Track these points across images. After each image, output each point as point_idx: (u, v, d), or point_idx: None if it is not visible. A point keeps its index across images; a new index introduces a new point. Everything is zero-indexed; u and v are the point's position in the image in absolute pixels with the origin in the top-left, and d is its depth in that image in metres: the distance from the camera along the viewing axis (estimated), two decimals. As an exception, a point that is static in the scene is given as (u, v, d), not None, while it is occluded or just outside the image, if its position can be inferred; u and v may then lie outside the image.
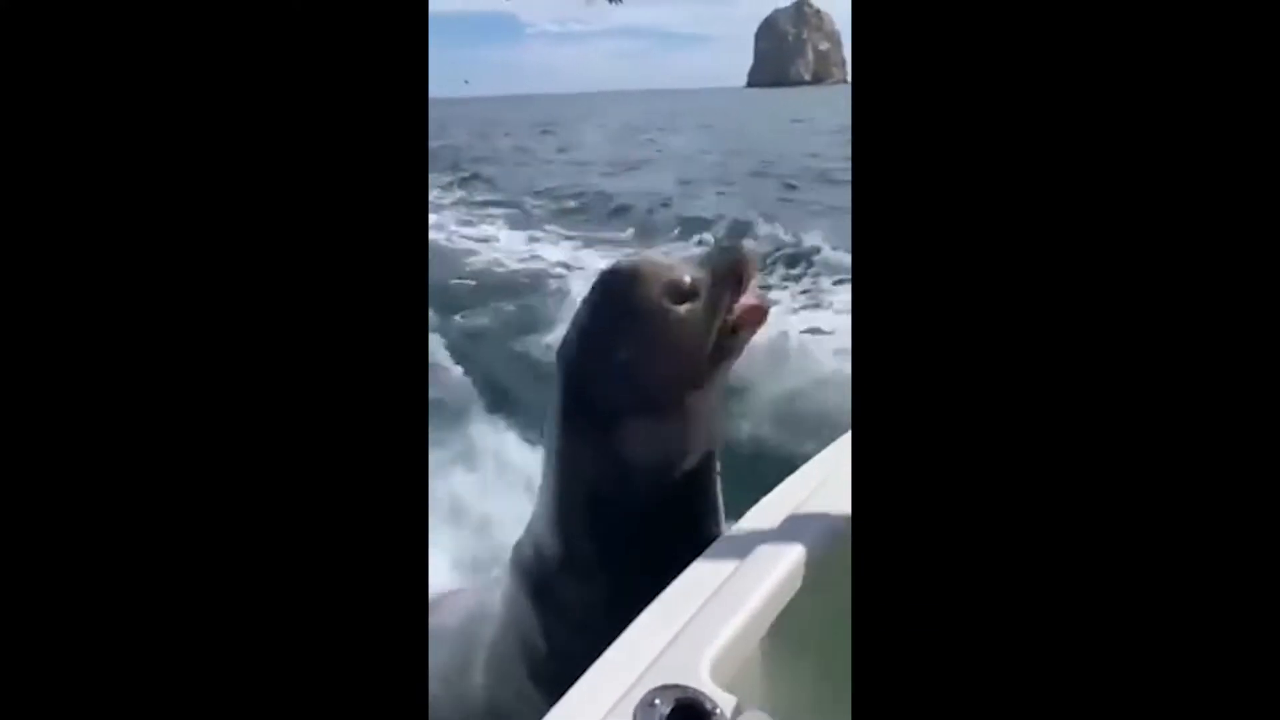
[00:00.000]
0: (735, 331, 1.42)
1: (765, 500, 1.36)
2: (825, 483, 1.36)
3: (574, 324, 1.49)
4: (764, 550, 1.19)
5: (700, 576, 1.15)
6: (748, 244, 1.57)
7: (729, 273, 1.41)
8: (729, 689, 0.98)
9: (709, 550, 1.22)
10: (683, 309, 1.38)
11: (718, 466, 1.54)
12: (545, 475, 1.51)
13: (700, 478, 1.48)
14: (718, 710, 0.93)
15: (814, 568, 1.20)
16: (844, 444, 1.49)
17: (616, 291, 1.43)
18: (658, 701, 0.94)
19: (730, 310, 1.40)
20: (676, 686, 0.96)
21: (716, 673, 1.00)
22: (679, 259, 1.52)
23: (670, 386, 1.41)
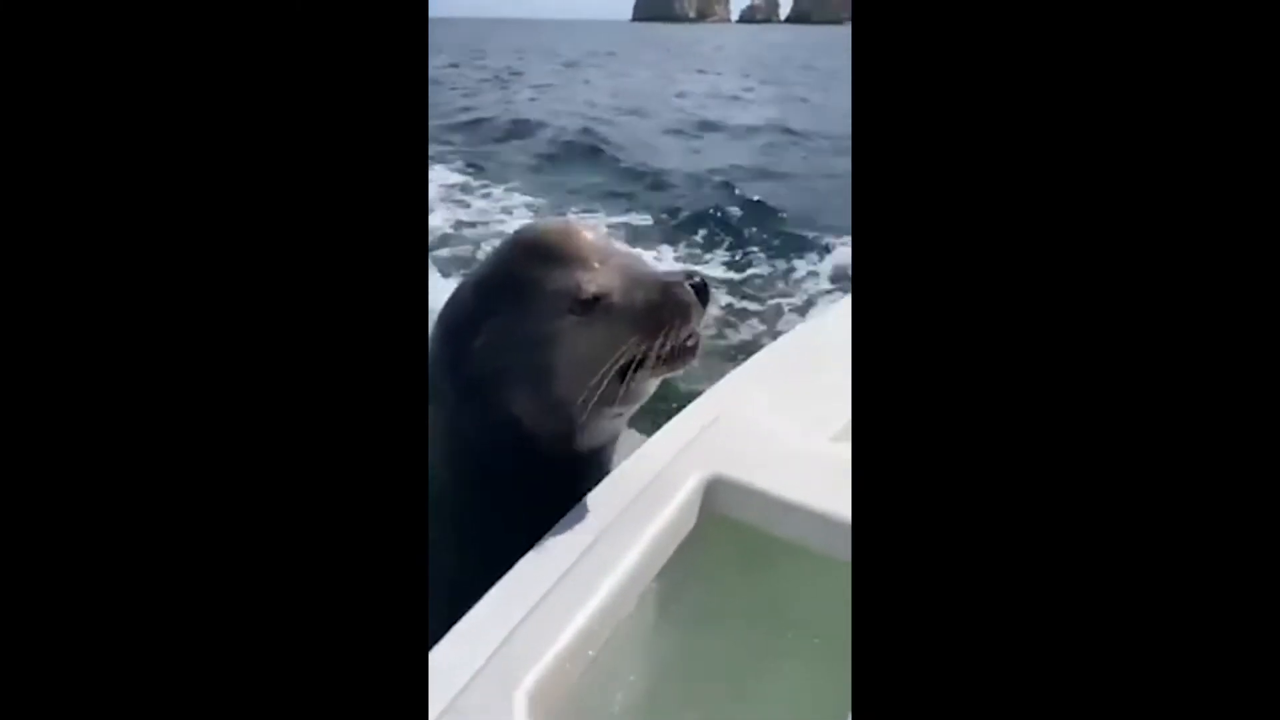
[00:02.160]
0: (649, 366, 1.05)
1: (612, 477, 1.11)
2: (678, 456, 1.12)
3: (463, 282, 1.17)
4: (600, 548, 0.96)
5: (525, 580, 0.92)
6: (706, 279, 1.11)
7: (661, 312, 1.04)
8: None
9: (540, 546, 0.98)
10: (571, 320, 1.03)
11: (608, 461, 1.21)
12: None
13: (560, 482, 1.13)
14: None
15: (655, 573, 1.00)
16: (699, 408, 1.27)
17: (507, 268, 1.09)
18: None
19: (650, 349, 1.04)
20: None
21: (535, 706, 0.79)
22: (609, 249, 1.10)
23: (540, 398, 1.08)
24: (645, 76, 21.19)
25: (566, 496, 1.11)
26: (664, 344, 1.01)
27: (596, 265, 1.04)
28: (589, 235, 1.07)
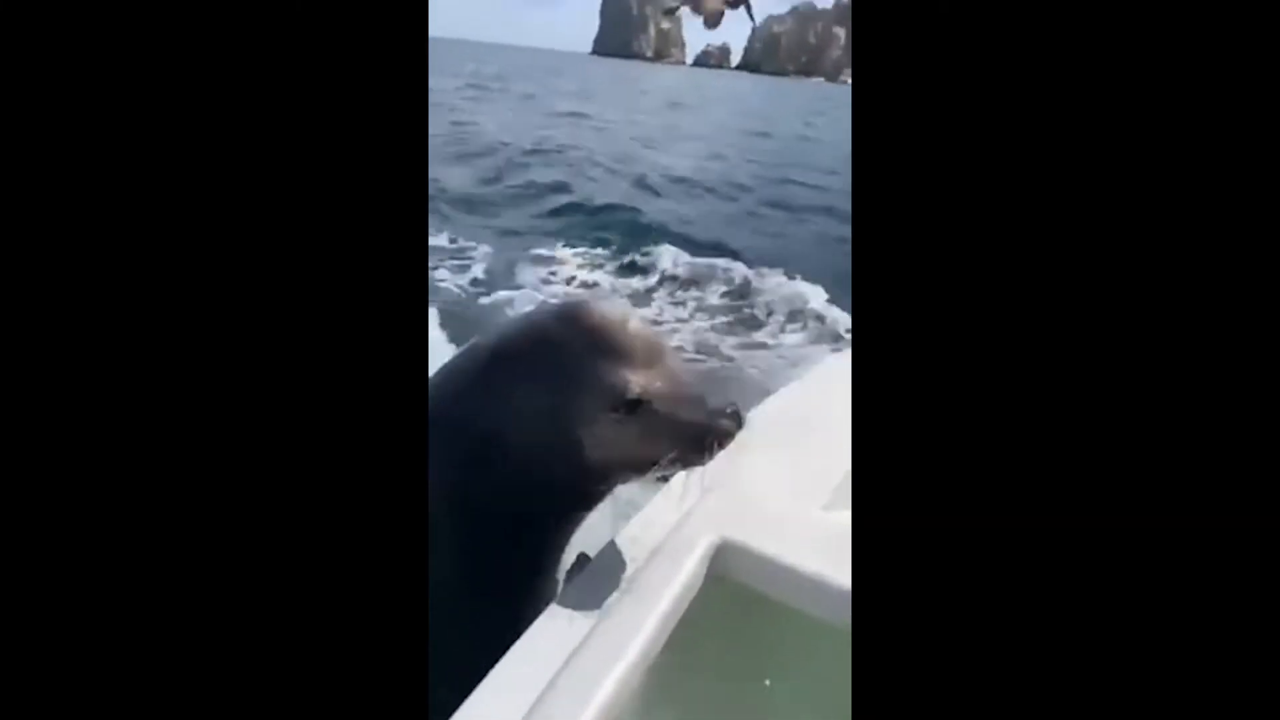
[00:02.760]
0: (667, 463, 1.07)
1: (618, 541, 1.11)
2: (684, 521, 1.13)
3: (493, 344, 1.13)
4: (613, 619, 0.95)
5: (536, 653, 0.90)
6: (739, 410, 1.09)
7: (706, 438, 1.06)
8: None
9: (550, 614, 0.96)
10: (612, 419, 1.04)
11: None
12: None
13: (557, 531, 1.16)
14: None
15: (665, 641, 0.98)
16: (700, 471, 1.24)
17: (558, 344, 1.06)
18: None
19: (676, 459, 1.07)
20: None
21: None
22: (661, 349, 1.10)
23: (565, 469, 1.09)
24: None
25: (566, 532, 1.14)
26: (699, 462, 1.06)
27: (649, 367, 1.05)
28: (645, 331, 1.09)
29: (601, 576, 1.02)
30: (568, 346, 1.06)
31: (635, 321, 1.10)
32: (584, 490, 1.12)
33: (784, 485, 1.24)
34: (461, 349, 1.21)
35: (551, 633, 0.93)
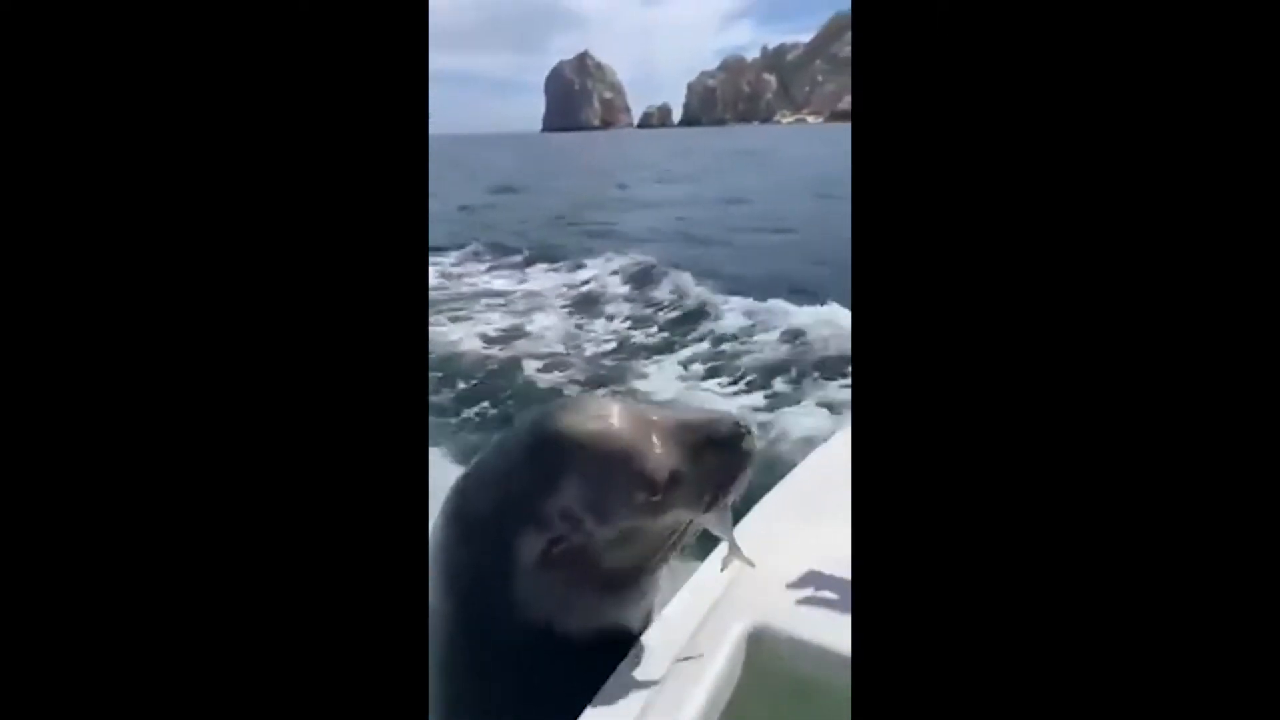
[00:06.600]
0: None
1: (653, 634, 1.07)
2: (717, 607, 1.11)
3: (509, 454, 1.05)
4: (659, 702, 0.94)
5: None
6: (749, 436, 1.06)
7: (724, 473, 1.02)
8: None
9: (590, 713, 0.94)
10: (651, 501, 1.00)
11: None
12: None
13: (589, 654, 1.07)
14: None
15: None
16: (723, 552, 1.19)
17: (569, 450, 1.00)
18: None
19: (705, 507, 1.02)
20: None
21: None
22: (668, 423, 1.05)
23: (596, 577, 1.04)
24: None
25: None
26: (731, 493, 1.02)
27: (658, 446, 1.00)
28: (635, 412, 1.04)
29: (639, 669, 0.99)
30: (592, 468, 0.99)
31: (614, 412, 1.03)
32: (655, 561, 1.07)
33: (814, 559, 1.20)
34: (451, 495, 1.11)
35: None
